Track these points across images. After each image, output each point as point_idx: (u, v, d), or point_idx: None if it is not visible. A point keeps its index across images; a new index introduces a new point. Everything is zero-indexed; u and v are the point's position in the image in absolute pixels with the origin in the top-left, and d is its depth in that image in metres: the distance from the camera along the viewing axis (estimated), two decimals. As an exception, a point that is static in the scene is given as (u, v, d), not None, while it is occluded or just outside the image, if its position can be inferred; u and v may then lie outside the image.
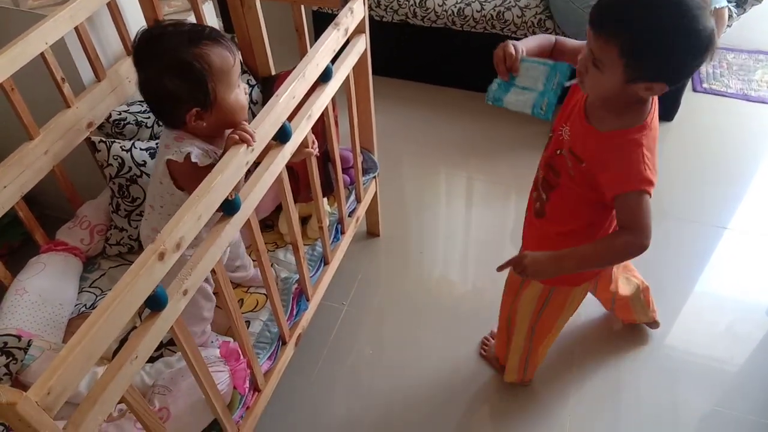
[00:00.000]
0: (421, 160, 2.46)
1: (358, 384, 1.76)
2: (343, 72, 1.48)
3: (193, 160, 1.20)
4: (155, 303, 0.96)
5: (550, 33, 2.35)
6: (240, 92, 1.26)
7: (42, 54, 1.41)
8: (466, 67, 2.60)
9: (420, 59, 2.69)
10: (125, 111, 1.67)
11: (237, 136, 1.10)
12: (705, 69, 2.79)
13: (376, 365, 1.80)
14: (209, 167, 1.19)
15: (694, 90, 2.69)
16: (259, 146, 1.16)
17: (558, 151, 1.20)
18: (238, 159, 1.10)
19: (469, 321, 1.88)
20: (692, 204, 2.22)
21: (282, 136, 1.24)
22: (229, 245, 1.48)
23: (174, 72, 1.18)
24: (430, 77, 2.74)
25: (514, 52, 1.13)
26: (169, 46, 1.18)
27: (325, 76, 1.38)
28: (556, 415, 1.66)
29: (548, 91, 1.12)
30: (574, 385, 1.72)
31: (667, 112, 2.53)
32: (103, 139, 1.61)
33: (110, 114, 1.65)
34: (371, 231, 2.15)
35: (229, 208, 1.11)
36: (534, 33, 2.37)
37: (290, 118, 1.27)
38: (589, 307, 1.90)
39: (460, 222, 2.24)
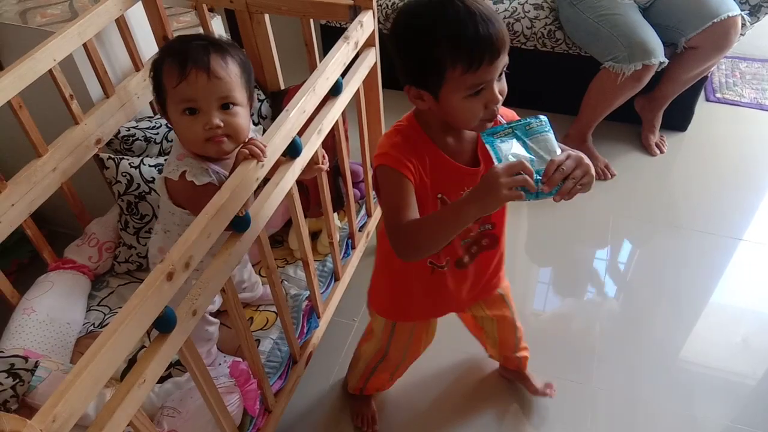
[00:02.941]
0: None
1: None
2: (353, 85, 1.46)
3: (188, 178, 1.17)
4: (164, 324, 0.93)
5: (560, 44, 2.32)
6: (194, 122, 1.14)
7: (50, 71, 1.40)
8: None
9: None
10: (134, 127, 1.66)
11: (247, 151, 1.08)
12: (718, 78, 2.76)
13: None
14: (209, 186, 1.18)
15: (707, 100, 2.66)
16: (269, 162, 1.14)
17: None
18: (249, 174, 1.08)
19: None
20: (707, 215, 2.18)
21: (292, 151, 1.22)
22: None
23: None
24: None
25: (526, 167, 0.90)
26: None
27: (336, 90, 1.37)
28: (574, 429, 1.62)
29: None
30: (591, 399, 1.68)
31: (681, 122, 2.50)
32: (112, 156, 1.59)
33: (119, 130, 1.64)
34: (382, 245, 2.12)
35: (239, 225, 1.08)
36: (544, 44, 2.35)
37: (300, 132, 1.25)
38: (607, 321, 1.87)
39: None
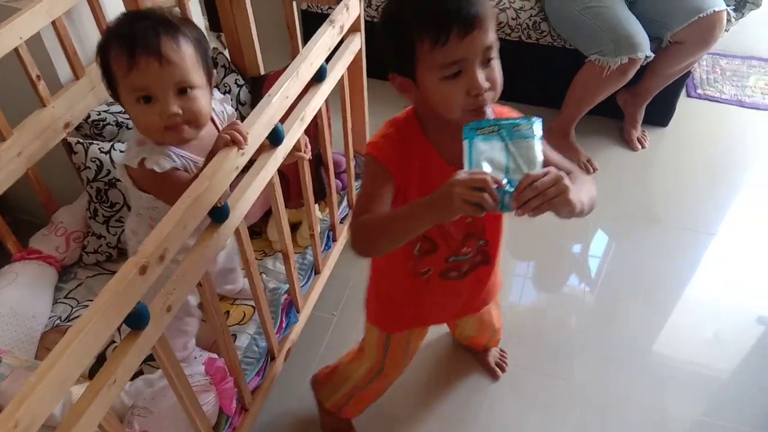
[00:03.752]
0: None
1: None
2: (337, 72, 1.40)
3: (148, 166, 1.10)
4: (136, 321, 0.87)
5: (545, 36, 2.29)
6: (148, 110, 1.06)
7: (16, 49, 1.31)
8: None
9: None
10: (105, 111, 1.58)
11: (228, 137, 1.02)
12: (699, 74, 2.76)
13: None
14: (172, 172, 1.10)
15: (689, 95, 2.66)
16: (250, 149, 1.08)
17: None
18: (229, 162, 1.02)
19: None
20: (685, 211, 2.18)
21: (274, 138, 1.16)
22: (224, 253, 1.40)
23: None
24: None
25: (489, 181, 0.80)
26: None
27: (319, 76, 1.31)
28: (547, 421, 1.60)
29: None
30: (565, 391, 1.67)
31: (663, 118, 2.49)
32: (81, 141, 1.52)
33: (89, 114, 1.56)
34: (362, 238, 2.07)
35: (217, 215, 1.03)
36: (529, 36, 2.32)
37: (282, 120, 1.19)
38: (583, 315, 1.85)
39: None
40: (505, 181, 0.80)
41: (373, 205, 0.94)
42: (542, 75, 2.44)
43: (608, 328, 1.82)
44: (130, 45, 1.02)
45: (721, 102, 2.63)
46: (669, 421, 1.61)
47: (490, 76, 0.89)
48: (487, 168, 0.81)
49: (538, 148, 0.83)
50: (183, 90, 1.07)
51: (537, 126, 0.84)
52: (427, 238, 1.06)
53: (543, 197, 0.78)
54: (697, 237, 2.09)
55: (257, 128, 1.09)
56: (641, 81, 2.25)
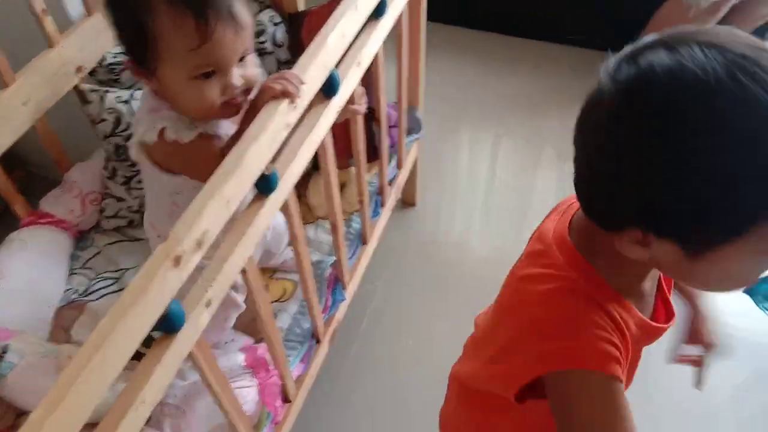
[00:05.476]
0: (464, 119, 2.15)
1: (398, 381, 1.51)
2: (397, 6, 1.17)
3: (170, 137, 0.91)
4: (169, 324, 0.68)
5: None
6: (209, 86, 0.88)
7: (15, -23, 1.10)
8: (529, 10, 2.26)
9: (475, 2, 2.33)
10: (122, 53, 1.36)
11: (278, 87, 0.80)
12: None
13: (417, 357, 1.55)
14: (201, 139, 0.92)
15: None
16: (303, 101, 0.87)
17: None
18: (278, 119, 0.81)
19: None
20: None
21: (329, 88, 0.95)
22: (271, 232, 1.21)
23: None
24: (485, 24, 2.36)
25: None
26: None
27: (380, 10, 1.08)
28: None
29: None
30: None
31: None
32: (95, 88, 1.31)
33: (104, 57, 1.34)
34: (407, 200, 1.86)
35: (264, 186, 0.82)
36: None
37: (336, 65, 0.97)
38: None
39: (507, 190, 1.96)
40: None
41: None
42: (612, 13, 2.15)
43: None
44: (200, 7, 0.82)
45: None
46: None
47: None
48: None
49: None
50: (241, 57, 0.90)
51: None
52: None
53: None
54: None
55: (310, 75, 0.87)
56: (726, 23, 1.98)
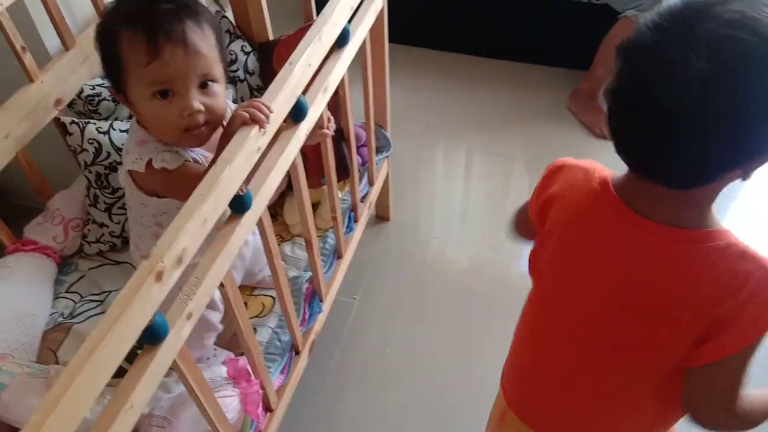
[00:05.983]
0: (434, 136, 2.24)
1: (379, 390, 1.57)
2: (359, 35, 1.25)
3: (158, 166, 0.98)
4: (153, 335, 0.74)
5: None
6: (166, 107, 0.95)
7: (-4, 18, 1.16)
8: (489, 32, 2.37)
9: (436, 24, 2.44)
10: (99, 85, 1.42)
11: (247, 114, 0.88)
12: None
13: (397, 366, 1.61)
14: (186, 165, 1.00)
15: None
16: (272, 127, 0.94)
17: None
18: (249, 144, 0.88)
19: (492, 308, 1.69)
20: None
21: (297, 113, 1.02)
22: (252, 250, 1.27)
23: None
24: (447, 44, 2.47)
25: None
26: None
27: (343, 40, 1.16)
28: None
29: None
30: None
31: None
32: (75, 120, 1.37)
33: (82, 89, 1.40)
34: (381, 215, 1.94)
35: (239, 205, 0.89)
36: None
37: (303, 91, 1.05)
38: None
39: (479, 202, 2.04)
40: None
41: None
42: (569, 33, 2.27)
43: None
44: (152, 30, 0.90)
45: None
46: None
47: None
48: None
49: None
50: (204, 84, 0.97)
51: None
52: None
53: None
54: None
55: (279, 102, 0.95)
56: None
